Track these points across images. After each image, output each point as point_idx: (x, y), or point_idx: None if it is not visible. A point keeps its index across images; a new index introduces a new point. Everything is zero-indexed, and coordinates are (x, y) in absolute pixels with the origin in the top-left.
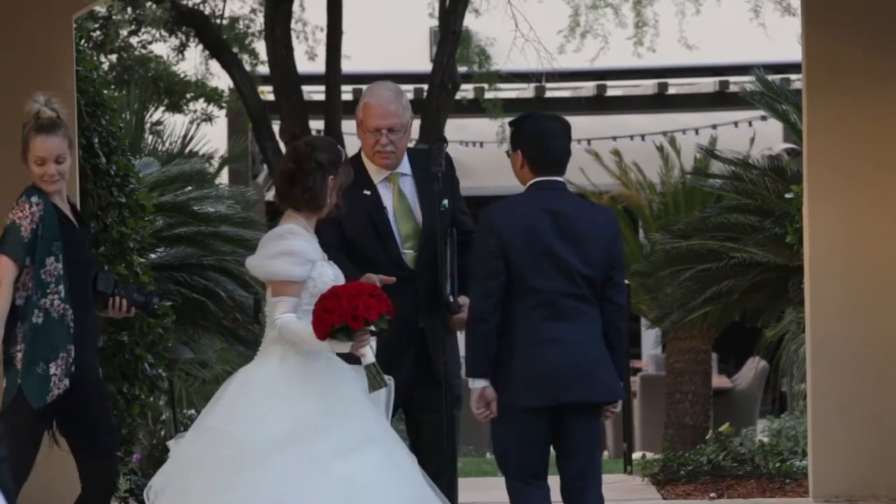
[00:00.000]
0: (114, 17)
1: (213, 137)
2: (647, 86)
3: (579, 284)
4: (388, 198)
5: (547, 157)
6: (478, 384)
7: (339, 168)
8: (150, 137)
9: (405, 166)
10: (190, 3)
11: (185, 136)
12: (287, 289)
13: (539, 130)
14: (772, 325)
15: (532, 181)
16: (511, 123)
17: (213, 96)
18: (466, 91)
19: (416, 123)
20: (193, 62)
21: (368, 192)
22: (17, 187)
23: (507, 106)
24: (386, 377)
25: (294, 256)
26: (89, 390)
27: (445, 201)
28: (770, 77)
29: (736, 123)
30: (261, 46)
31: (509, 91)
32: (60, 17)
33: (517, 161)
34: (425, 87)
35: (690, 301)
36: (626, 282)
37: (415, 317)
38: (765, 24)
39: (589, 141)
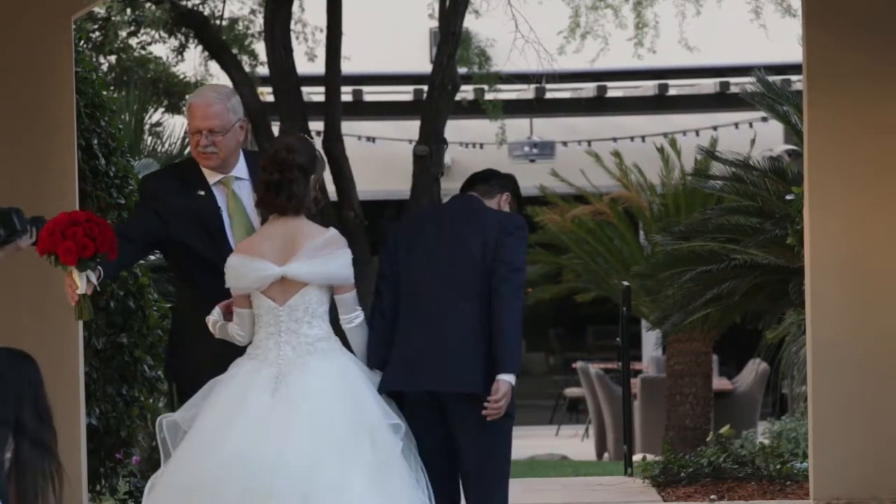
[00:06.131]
0: (113, 18)
1: None
2: (648, 87)
3: (456, 283)
4: (222, 200)
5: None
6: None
7: (316, 164)
8: (150, 139)
9: (241, 170)
10: (189, 4)
11: (184, 138)
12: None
13: None
14: (772, 327)
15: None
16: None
17: None
18: (466, 92)
19: (416, 125)
20: (193, 63)
21: (202, 193)
22: (16, 185)
23: (507, 107)
24: None
25: None
26: None
27: None
28: (771, 78)
29: (736, 125)
30: (260, 47)
31: (509, 92)
32: (59, 18)
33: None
34: (425, 88)
35: (691, 303)
36: (626, 283)
37: None
38: (765, 25)
39: (589, 142)
